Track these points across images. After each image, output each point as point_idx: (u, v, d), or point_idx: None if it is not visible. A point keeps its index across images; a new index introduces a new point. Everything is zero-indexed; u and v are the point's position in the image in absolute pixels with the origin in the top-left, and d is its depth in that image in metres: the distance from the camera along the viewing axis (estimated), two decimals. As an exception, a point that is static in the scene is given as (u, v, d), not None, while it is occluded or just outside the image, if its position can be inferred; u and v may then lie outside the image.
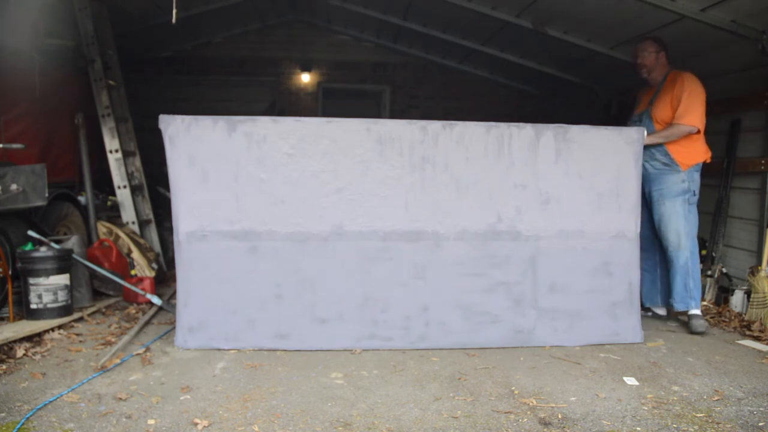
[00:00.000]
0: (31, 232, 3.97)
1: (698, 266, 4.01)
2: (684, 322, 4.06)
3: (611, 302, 3.66)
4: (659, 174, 3.99)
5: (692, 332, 3.85)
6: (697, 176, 4.01)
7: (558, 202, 3.61)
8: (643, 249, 3.93)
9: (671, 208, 3.94)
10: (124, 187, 5.58)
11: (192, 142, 3.42)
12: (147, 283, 4.55)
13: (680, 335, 3.89)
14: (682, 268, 3.93)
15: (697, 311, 3.94)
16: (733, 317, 4.21)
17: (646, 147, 3.81)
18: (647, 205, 4.07)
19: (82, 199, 5.24)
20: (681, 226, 3.93)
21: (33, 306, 3.75)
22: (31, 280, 3.75)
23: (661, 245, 4.08)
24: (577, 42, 5.75)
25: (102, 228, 5.16)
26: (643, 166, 3.80)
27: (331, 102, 9.13)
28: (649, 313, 4.33)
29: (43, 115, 5.15)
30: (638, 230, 3.71)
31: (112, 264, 4.68)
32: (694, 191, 3.98)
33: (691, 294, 3.93)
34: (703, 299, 4.52)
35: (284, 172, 3.45)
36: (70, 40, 5.61)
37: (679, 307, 3.97)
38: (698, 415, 2.64)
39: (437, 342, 3.54)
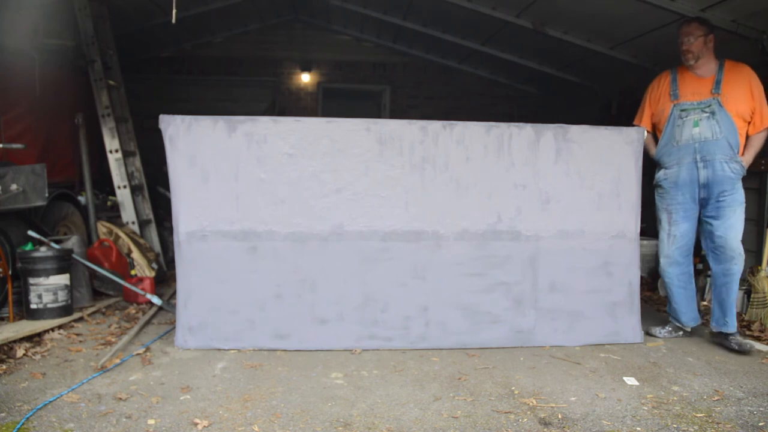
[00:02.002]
0: (31, 232, 3.97)
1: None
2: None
3: (611, 302, 3.66)
4: (735, 178, 3.56)
5: (742, 351, 3.47)
6: None
7: (558, 202, 3.61)
8: (677, 263, 3.70)
9: (740, 217, 3.58)
10: (124, 187, 5.58)
11: (192, 142, 3.42)
12: (147, 283, 4.55)
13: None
14: (737, 281, 3.59)
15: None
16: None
17: (722, 144, 3.50)
18: (686, 211, 3.67)
19: (82, 199, 5.24)
20: (740, 237, 3.59)
21: (33, 306, 3.75)
22: (31, 280, 3.75)
23: (706, 256, 3.70)
24: (577, 42, 5.76)
25: (102, 228, 5.16)
26: (720, 168, 3.51)
27: (331, 102, 9.13)
28: (681, 333, 3.82)
29: (44, 115, 5.15)
30: (638, 230, 3.71)
31: (112, 264, 4.68)
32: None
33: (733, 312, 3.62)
34: (703, 299, 4.52)
35: (284, 172, 3.45)
36: (70, 40, 5.62)
37: (731, 328, 3.56)
38: (698, 415, 2.64)
39: (437, 342, 3.54)
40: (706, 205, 3.61)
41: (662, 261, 3.77)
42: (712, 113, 3.55)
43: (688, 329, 3.83)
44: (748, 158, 3.60)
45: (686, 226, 3.68)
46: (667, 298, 3.86)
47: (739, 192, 3.59)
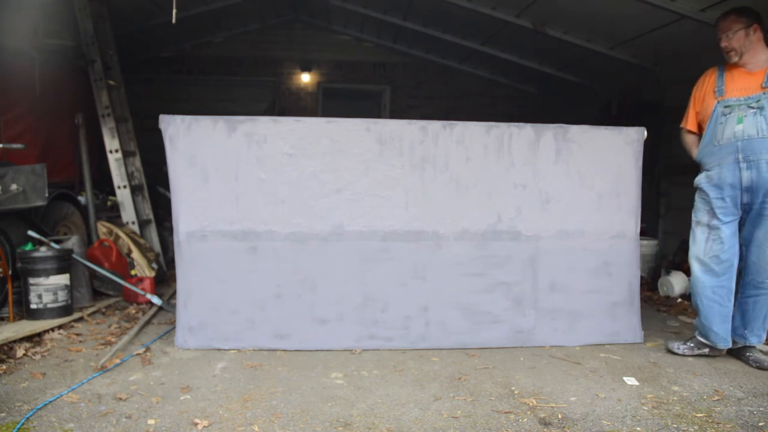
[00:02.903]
0: (31, 232, 3.97)
1: None
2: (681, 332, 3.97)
3: (611, 302, 3.66)
4: None
5: (761, 367, 3.25)
6: None
7: (558, 202, 3.61)
8: (714, 273, 3.29)
9: None
10: (124, 187, 5.58)
11: (192, 142, 3.42)
12: (147, 283, 4.55)
13: (681, 335, 3.89)
14: None
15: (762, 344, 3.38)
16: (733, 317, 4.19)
17: (761, 143, 3.15)
18: (727, 216, 3.29)
19: (82, 199, 5.24)
20: None
21: (33, 306, 3.75)
22: (31, 280, 3.75)
23: (746, 270, 3.33)
24: (577, 42, 5.76)
25: (102, 228, 5.16)
26: (766, 168, 3.14)
27: (331, 102, 9.13)
28: (706, 350, 3.42)
29: (44, 115, 5.16)
30: (638, 230, 3.71)
31: (112, 264, 4.68)
32: None
33: (765, 325, 3.34)
34: None
35: (284, 172, 3.45)
36: (70, 40, 5.62)
37: (754, 341, 3.34)
38: (698, 415, 2.63)
39: (437, 342, 3.54)
40: (749, 211, 3.24)
41: (695, 267, 3.37)
42: (760, 109, 3.18)
43: (720, 349, 3.39)
44: None
45: (728, 231, 3.29)
46: (696, 309, 3.42)
47: None
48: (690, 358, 3.41)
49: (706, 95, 3.40)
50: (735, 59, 3.26)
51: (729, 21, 3.26)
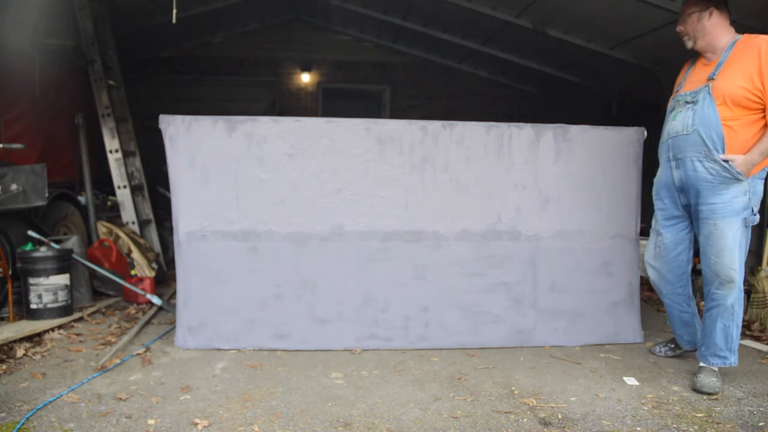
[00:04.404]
0: (31, 232, 3.97)
1: (742, 308, 2.98)
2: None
3: (611, 302, 3.66)
4: (715, 182, 2.86)
5: (699, 391, 2.88)
6: (760, 187, 2.89)
7: (558, 202, 3.61)
8: (668, 281, 3.18)
9: (725, 231, 2.85)
10: (124, 187, 5.58)
11: (192, 142, 3.42)
12: (147, 283, 4.55)
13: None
14: (728, 311, 2.90)
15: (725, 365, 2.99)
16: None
17: (691, 140, 2.90)
18: (668, 219, 3.16)
19: (82, 199, 5.25)
20: (735, 256, 2.86)
21: (33, 306, 3.75)
22: (31, 280, 3.75)
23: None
24: (577, 42, 5.76)
25: (102, 228, 5.16)
26: (692, 167, 2.91)
27: (331, 102, 9.14)
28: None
29: (43, 115, 5.16)
30: (638, 230, 3.71)
31: (112, 264, 4.68)
32: (753, 208, 2.88)
33: (731, 346, 2.94)
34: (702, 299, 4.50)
35: (284, 172, 3.45)
36: (70, 40, 5.62)
37: (713, 362, 2.96)
38: (698, 415, 2.63)
39: (437, 342, 3.54)
40: (691, 214, 3.05)
41: (649, 272, 3.26)
42: (694, 103, 2.92)
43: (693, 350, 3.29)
44: (749, 157, 2.77)
45: (670, 236, 3.13)
46: None
47: (728, 202, 2.85)
48: (690, 358, 3.41)
49: (673, 91, 3.23)
50: (689, 45, 3.02)
51: (686, 4, 3.03)
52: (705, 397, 2.84)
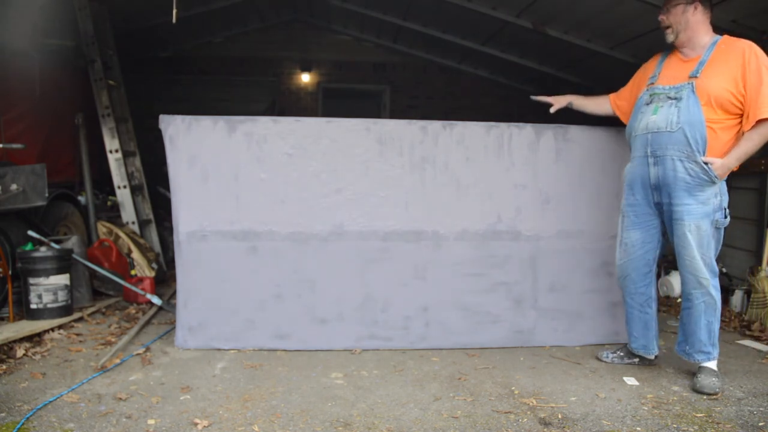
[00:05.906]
0: (31, 232, 3.98)
1: (720, 302, 2.98)
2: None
3: (611, 302, 3.66)
4: (692, 183, 2.86)
5: (699, 392, 2.88)
6: (725, 188, 2.93)
7: (558, 202, 3.61)
8: (632, 279, 3.17)
9: (701, 231, 2.86)
10: (124, 187, 5.58)
11: (192, 142, 3.42)
12: (147, 283, 4.55)
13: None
14: (710, 308, 2.92)
15: (713, 364, 2.98)
16: (733, 317, 4.21)
17: (675, 138, 2.87)
18: (638, 216, 3.12)
19: (82, 199, 5.25)
20: (711, 255, 2.89)
21: (33, 306, 3.75)
22: (31, 280, 3.75)
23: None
24: (577, 42, 5.76)
25: (102, 228, 5.16)
26: (672, 166, 2.89)
27: (331, 102, 9.14)
28: (635, 360, 3.29)
29: (43, 115, 5.16)
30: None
31: (112, 264, 4.69)
32: (725, 209, 2.91)
33: (713, 341, 2.98)
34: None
35: (284, 172, 3.45)
36: (70, 40, 5.62)
37: (700, 359, 2.98)
38: (698, 415, 2.63)
39: (437, 342, 3.54)
40: (664, 213, 3.03)
41: (617, 270, 3.26)
42: (678, 100, 2.89)
43: (650, 357, 3.23)
44: (727, 162, 2.80)
45: (637, 234, 3.11)
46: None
47: (702, 203, 2.86)
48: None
49: (642, 81, 3.18)
50: (671, 38, 2.99)
51: None
52: (705, 397, 2.84)
